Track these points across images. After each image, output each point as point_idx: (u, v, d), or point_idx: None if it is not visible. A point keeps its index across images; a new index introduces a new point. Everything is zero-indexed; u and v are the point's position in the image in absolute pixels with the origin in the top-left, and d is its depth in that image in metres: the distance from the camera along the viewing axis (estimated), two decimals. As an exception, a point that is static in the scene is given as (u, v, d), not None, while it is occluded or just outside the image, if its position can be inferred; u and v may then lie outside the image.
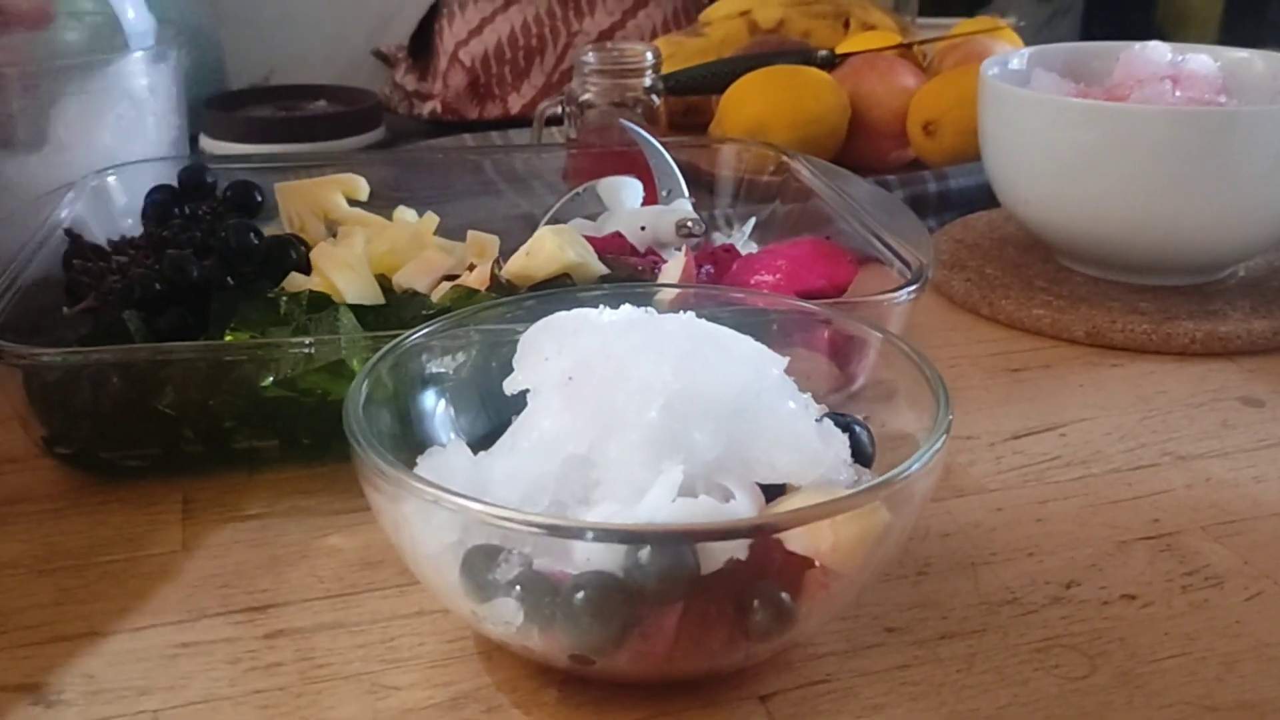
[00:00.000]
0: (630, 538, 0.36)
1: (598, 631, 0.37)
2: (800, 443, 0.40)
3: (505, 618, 0.38)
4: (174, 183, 0.71)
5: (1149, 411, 0.59)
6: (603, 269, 0.59)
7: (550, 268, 0.57)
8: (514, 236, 0.62)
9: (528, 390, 0.42)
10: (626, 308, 0.43)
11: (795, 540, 0.38)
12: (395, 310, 0.57)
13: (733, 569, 0.37)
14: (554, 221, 0.73)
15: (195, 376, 0.50)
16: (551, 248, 0.57)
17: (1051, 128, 0.68)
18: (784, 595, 0.38)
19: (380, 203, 0.75)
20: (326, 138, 1.03)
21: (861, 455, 0.44)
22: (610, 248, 0.66)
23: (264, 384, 0.50)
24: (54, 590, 0.46)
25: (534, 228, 0.69)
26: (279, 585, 0.46)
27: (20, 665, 0.42)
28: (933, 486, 0.41)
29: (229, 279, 0.61)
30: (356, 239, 0.62)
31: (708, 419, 0.39)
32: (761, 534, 0.37)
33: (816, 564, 0.38)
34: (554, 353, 0.42)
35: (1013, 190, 0.73)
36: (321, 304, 0.56)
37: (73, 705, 0.40)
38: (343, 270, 0.57)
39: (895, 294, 0.55)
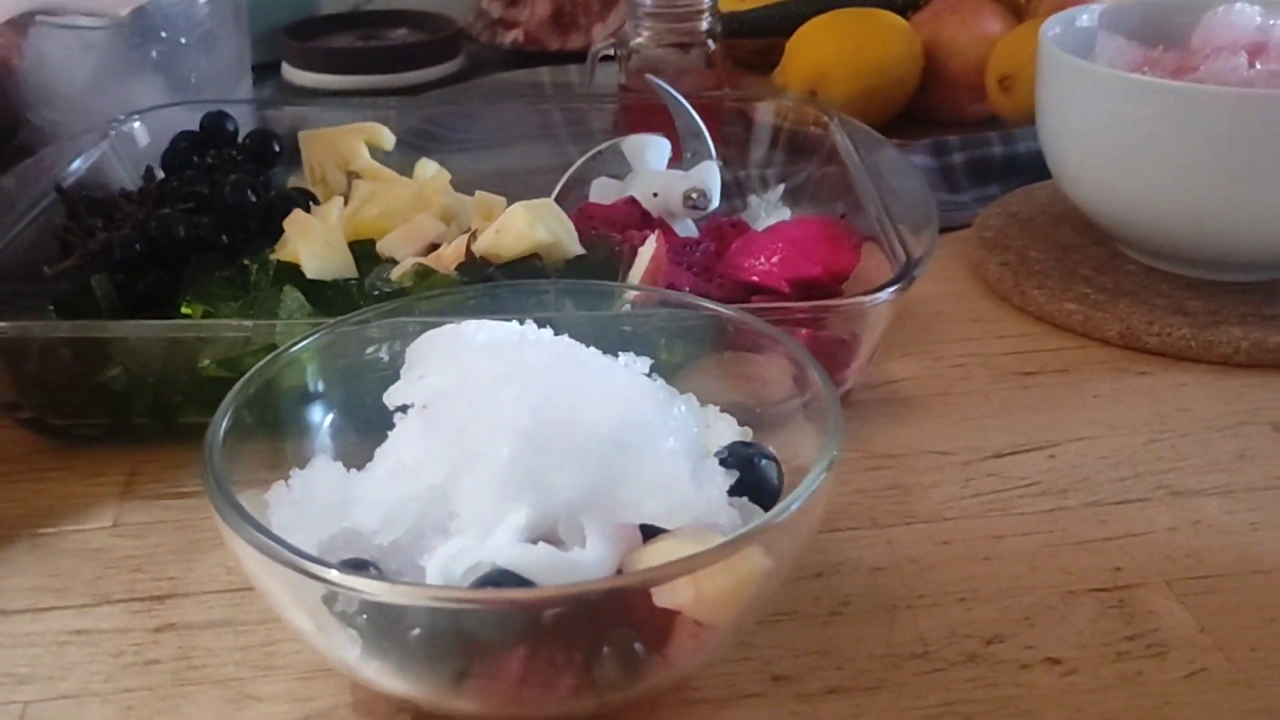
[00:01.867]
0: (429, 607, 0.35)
1: (434, 672, 0.36)
2: (669, 486, 0.38)
3: (343, 649, 0.37)
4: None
5: (1160, 433, 0.54)
6: (577, 249, 0.57)
7: (519, 247, 0.55)
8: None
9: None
10: (503, 327, 0.41)
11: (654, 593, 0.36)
12: (355, 289, 0.56)
13: (582, 613, 0.35)
14: (575, 179, 0.71)
15: (139, 352, 0.51)
16: (521, 226, 0.55)
17: (1103, 101, 0.62)
18: (638, 646, 0.36)
19: (421, 148, 0.74)
20: (403, 68, 1.02)
21: (765, 491, 0.41)
22: (619, 216, 0.64)
23: (202, 365, 0.50)
24: (-25, 561, 0.47)
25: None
26: (186, 574, 0.46)
27: (-86, 645, 0.43)
28: (818, 522, 0.39)
29: (224, 238, 0.61)
30: (334, 204, 0.60)
31: (570, 456, 0.37)
32: (578, 602, 0.35)
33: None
34: (429, 371, 0.40)
35: (1063, 167, 0.67)
36: (288, 275, 0.55)
37: (-50, 691, 0.41)
38: (308, 240, 0.56)
39: (866, 299, 0.51)
